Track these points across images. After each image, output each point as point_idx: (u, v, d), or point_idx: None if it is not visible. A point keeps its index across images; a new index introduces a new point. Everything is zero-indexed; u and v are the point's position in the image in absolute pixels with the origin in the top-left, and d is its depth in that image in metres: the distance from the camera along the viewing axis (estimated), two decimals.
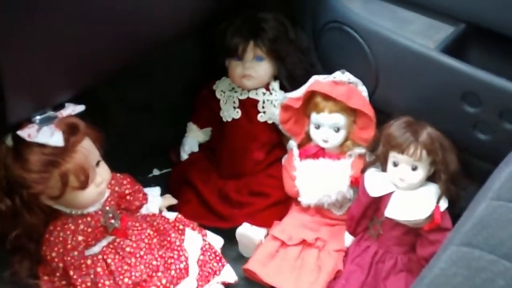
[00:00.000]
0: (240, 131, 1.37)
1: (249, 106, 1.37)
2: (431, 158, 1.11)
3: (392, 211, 1.12)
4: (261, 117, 1.37)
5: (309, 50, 1.38)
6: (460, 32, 1.15)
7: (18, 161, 0.96)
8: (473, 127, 1.11)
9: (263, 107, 1.37)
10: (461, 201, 1.10)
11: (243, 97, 1.37)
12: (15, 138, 0.97)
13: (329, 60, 1.33)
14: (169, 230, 1.16)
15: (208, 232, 1.23)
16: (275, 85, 1.37)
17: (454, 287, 0.71)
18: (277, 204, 1.31)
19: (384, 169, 1.16)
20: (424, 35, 1.16)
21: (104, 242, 1.09)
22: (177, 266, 1.11)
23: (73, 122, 1.00)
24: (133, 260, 1.08)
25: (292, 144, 1.31)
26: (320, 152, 1.28)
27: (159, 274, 1.09)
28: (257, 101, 1.37)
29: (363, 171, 1.19)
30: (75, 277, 1.04)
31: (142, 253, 1.10)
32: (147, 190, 1.24)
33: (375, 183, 1.15)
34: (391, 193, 1.13)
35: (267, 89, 1.37)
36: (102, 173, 1.05)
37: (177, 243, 1.14)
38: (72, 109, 1.01)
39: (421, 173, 1.11)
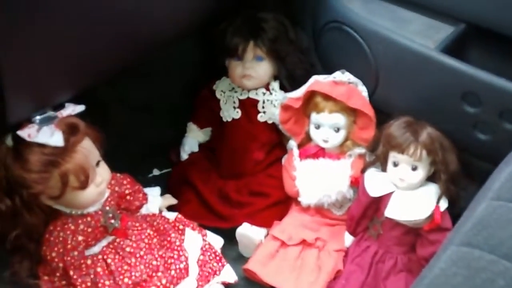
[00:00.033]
0: (240, 131, 1.37)
1: (249, 106, 1.37)
2: (431, 158, 1.11)
3: (392, 211, 1.12)
4: (261, 117, 1.37)
5: (309, 50, 1.38)
6: (460, 32, 1.15)
7: (18, 161, 0.96)
8: (473, 127, 1.11)
9: (263, 107, 1.37)
10: (461, 201, 1.10)
11: (243, 97, 1.37)
12: (15, 138, 0.97)
13: (329, 60, 1.33)
14: (169, 230, 1.16)
15: (208, 232, 1.23)
16: (275, 85, 1.37)
17: (454, 287, 0.71)
18: (277, 204, 1.31)
19: (384, 169, 1.16)
20: (424, 35, 1.16)
21: (104, 242, 1.09)
22: (177, 266, 1.11)
23: (73, 122, 1.00)
24: (133, 260, 1.08)
25: (292, 144, 1.31)
26: (320, 152, 1.28)
27: (159, 274, 1.09)
28: (257, 101, 1.37)
29: (363, 171, 1.19)
30: (75, 277, 1.04)
31: (142, 253, 1.10)
32: (147, 190, 1.24)
33: (375, 183, 1.15)
34: (391, 193, 1.13)
35: (267, 89, 1.37)
36: (102, 173, 1.05)
37: (177, 243, 1.14)
38: (72, 109, 1.01)
39: (421, 173, 1.11)
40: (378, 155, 1.16)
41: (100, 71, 1.05)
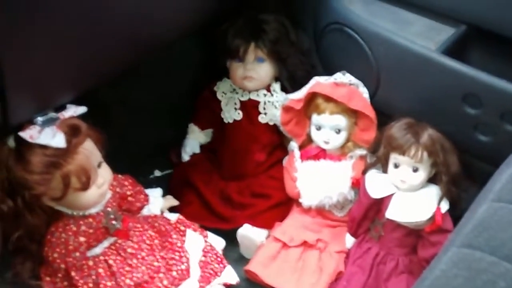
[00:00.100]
0: (241, 133, 1.37)
1: (250, 108, 1.37)
2: (432, 160, 1.11)
3: (393, 213, 1.12)
4: (262, 119, 1.37)
5: (310, 52, 1.38)
6: (461, 34, 1.15)
7: (20, 163, 0.96)
8: (474, 129, 1.12)
9: (264, 109, 1.37)
10: (462, 202, 1.10)
11: (244, 98, 1.37)
12: (17, 139, 0.97)
13: (330, 62, 1.33)
14: (170, 231, 1.16)
15: (210, 233, 1.22)
16: (276, 86, 1.38)
17: None
18: (278, 205, 1.31)
19: (385, 170, 1.16)
20: (425, 37, 1.16)
21: (105, 243, 1.09)
22: (179, 267, 1.11)
23: (75, 123, 1.00)
24: (135, 261, 1.08)
25: (293, 145, 1.31)
26: (321, 154, 1.28)
27: (161, 275, 1.09)
28: (258, 103, 1.37)
29: (364, 172, 1.19)
30: (76, 278, 1.04)
31: (143, 254, 1.10)
32: (148, 191, 1.24)
33: (376, 184, 1.15)
34: (392, 194, 1.13)
35: (268, 90, 1.37)
36: (104, 174, 1.05)
37: (179, 244, 1.14)
38: (73, 111, 1.02)
39: (422, 174, 1.11)
40: (379, 156, 1.16)
41: (101, 72, 1.05)
